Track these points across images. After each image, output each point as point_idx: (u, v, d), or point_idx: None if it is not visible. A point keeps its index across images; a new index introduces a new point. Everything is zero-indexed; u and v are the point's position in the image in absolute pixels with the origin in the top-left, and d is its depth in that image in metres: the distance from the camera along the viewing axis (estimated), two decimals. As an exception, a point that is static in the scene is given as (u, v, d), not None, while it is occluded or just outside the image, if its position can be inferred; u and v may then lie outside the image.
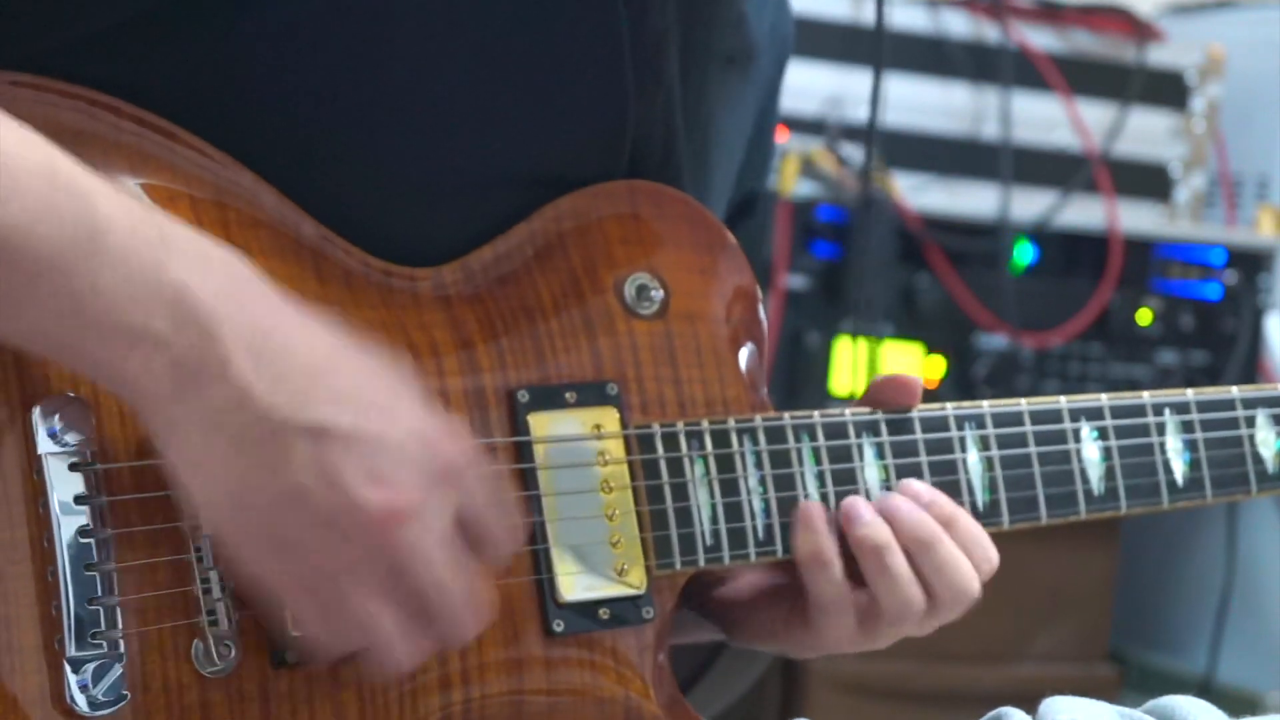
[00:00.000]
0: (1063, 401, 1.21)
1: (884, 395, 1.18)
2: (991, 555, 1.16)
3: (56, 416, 0.98)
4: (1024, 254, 2.72)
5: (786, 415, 1.15)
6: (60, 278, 0.93)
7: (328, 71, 1.06)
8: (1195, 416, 1.24)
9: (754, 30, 1.26)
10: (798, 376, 2.52)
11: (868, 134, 2.14)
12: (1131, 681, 2.85)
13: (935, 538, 1.13)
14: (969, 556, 1.14)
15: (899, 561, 1.13)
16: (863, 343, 2.52)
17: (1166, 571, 2.96)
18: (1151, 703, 1.09)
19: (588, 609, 1.09)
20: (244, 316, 0.95)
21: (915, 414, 1.18)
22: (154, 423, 0.96)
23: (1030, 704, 1.08)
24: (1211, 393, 1.25)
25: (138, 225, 0.94)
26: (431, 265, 1.09)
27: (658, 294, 1.14)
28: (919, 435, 1.18)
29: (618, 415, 1.11)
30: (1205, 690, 2.75)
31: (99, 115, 1.03)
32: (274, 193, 1.06)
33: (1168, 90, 2.83)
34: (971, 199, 2.67)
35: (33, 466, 0.97)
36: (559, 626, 1.08)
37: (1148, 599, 2.98)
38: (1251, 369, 2.78)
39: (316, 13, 1.05)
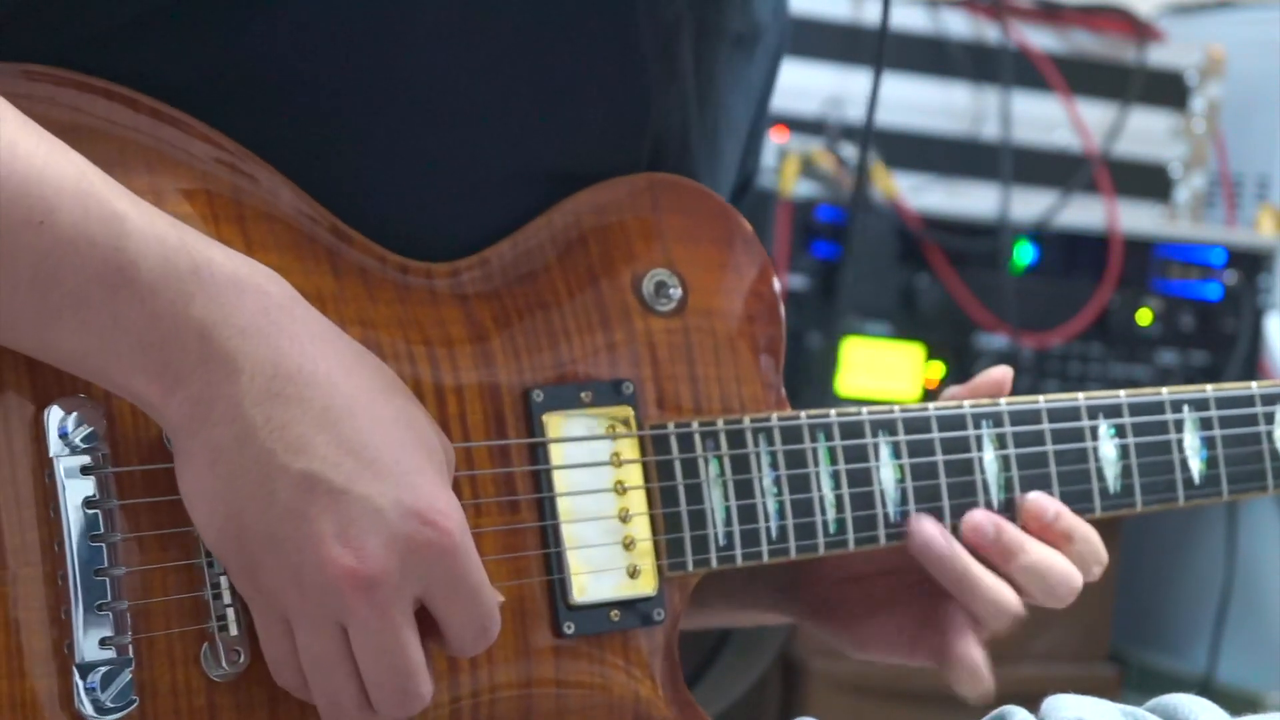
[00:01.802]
0: (1081, 399, 1.20)
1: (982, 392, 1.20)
2: (1074, 577, 1.17)
3: (68, 419, 0.97)
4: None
5: (803, 414, 1.14)
6: (86, 311, 0.93)
7: (346, 64, 1.06)
8: (1214, 413, 1.23)
9: (759, 9, 1.25)
10: (798, 377, 2.51)
11: (864, 132, 2.13)
12: (1131, 681, 2.85)
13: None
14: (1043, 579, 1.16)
15: None
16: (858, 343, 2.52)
17: (1166, 571, 2.96)
18: (1154, 701, 1.08)
19: (598, 611, 1.09)
20: (267, 354, 0.95)
21: (932, 412, 1.17)
22: (175, 447, 0.97)
23: (1031, 704, 1.08)
24: (1231, 389, 1.24)
25: (169, 255, 0.94)
26: (449, 259, 1.09)
27: (676, 291, 1.13)
28: (935, 434, 1.17)
29: (633, 414, 1.10)
30: (1205, 690, 2.74)
31: (115, 109, 1.02)
32: (291, 187, 1.05)
33: (1168, 90, 2.83)
34: (971, 199, 2.67)
35: (44, 469, 0.97)
36: (569, 629, 1.08)
37: (1148, 599, 2.98)
38: (1251, 369, 2.77)
39: (335, 5, 1.05)
